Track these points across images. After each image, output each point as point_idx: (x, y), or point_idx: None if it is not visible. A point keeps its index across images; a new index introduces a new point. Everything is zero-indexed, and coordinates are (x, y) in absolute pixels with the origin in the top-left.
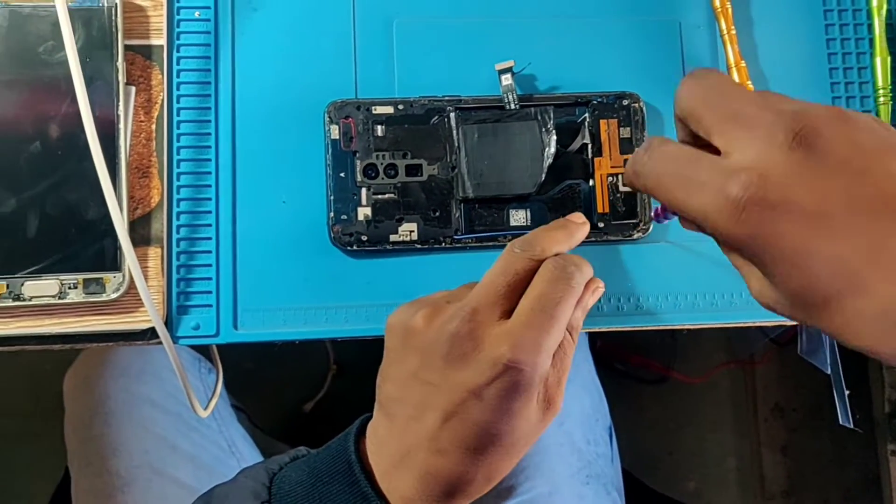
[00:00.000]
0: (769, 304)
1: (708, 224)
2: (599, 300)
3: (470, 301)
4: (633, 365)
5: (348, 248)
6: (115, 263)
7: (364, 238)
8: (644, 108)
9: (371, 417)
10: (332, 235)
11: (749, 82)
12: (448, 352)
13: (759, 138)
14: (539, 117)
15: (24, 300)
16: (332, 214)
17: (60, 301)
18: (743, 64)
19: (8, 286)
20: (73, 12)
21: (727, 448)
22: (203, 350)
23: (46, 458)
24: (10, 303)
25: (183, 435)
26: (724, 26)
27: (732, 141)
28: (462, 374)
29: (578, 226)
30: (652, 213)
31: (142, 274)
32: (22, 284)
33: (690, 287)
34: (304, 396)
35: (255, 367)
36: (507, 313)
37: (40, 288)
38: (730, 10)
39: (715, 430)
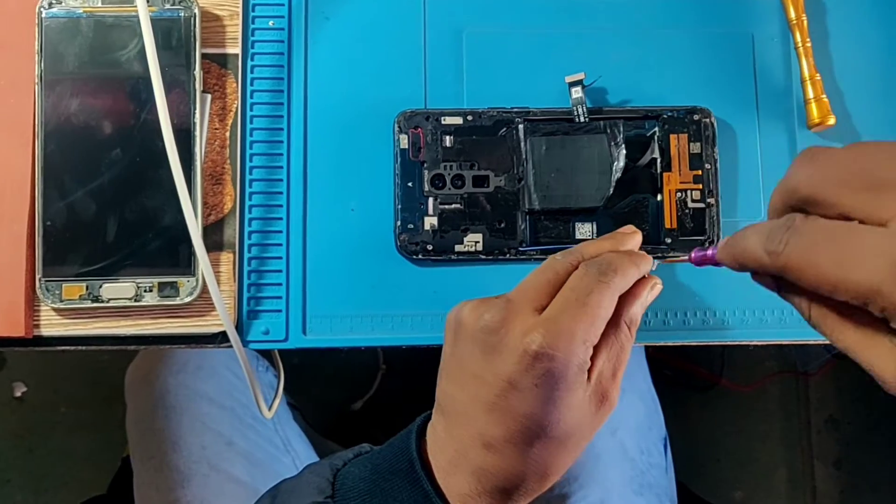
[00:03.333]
0: None
1: (876, 296)
2: (665, 314)
3: (508, 294)
4: (681, 371)
5: (414, 256)
6: (188, 268)
7: (430, 247)
8: (715, 124)
9: (431, 415)
10: (399, 244)
11: (824, 96)
12: (484, 341)
13: None
14: (608, 131)
15: (102, 301)
16: (398, 223)
17: (136, 303)
18: (818, 77)
19: (87, 288)
20: (153, 21)
21: (777, 459)
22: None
23: (103, 446)
24: (88, 304)
25: (239, 432)
26: (798, 38)
27: (889, 209)
28: (498, 364)
29: (626, 235)
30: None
31: (214, 278)
32: (100, 286)
33: (758, 303)
34: (354, 395)
35: (303, 364)
36: (543, 309)
37: (118, 290)
38: (805, 22)
39: (765, 439)
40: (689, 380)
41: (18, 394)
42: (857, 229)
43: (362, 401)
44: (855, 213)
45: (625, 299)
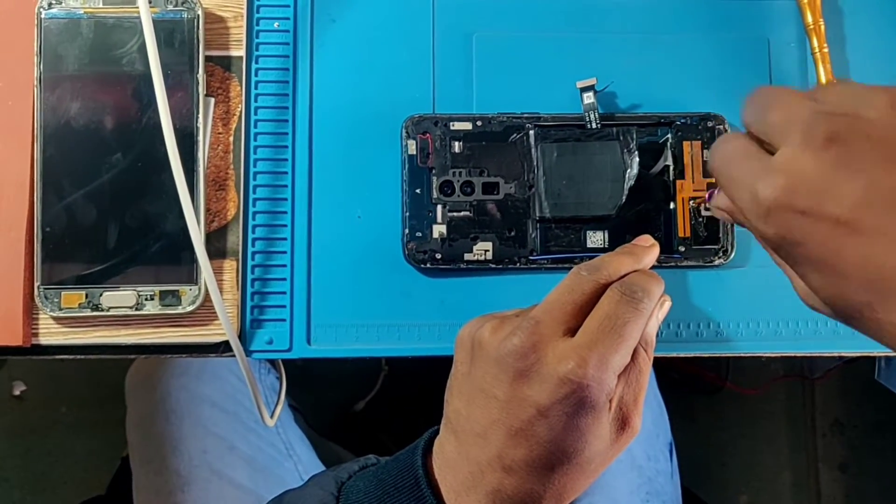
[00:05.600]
0: (815, 307)
1: (746, 222)
2: (678, 325)
3: (535, 315)
4: (687, 374)
5: (422, 265)
6: (191, 276)
7: (438, 256)
8: (729, 131)
9: (438, 431)
10: (407, 252)
11: None
12: (512, 365)
13: (796, 137)
14: (621, 137)
15: (103, 310)
16: (406, 231)
17: (137, 312)
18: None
19: (87, 296)
20: (155, 23)
21: (782, 462)
22: None
23: (103, 446)
24: (88, 312)
25: (241, 436)
26: (815, 44)
27: (778, 140)
28: (527, 390)
29: (646, 250)
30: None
31: (217, 287)
32: (100, 295)
33: (773, 314)
34: (356, 396)
35: (304, 365)
36: (571, 331)
37: (118, 299)
38: (822, 27)
39: (770, 443)
40: (696, 383)
41: (17, 392)
42: (749, 156)
43: (364, 401)
44: (765, 136)
45: None
